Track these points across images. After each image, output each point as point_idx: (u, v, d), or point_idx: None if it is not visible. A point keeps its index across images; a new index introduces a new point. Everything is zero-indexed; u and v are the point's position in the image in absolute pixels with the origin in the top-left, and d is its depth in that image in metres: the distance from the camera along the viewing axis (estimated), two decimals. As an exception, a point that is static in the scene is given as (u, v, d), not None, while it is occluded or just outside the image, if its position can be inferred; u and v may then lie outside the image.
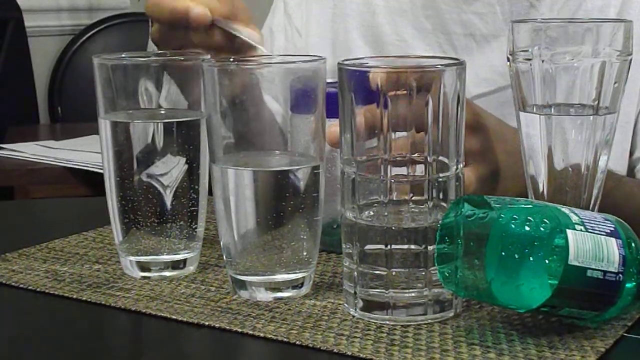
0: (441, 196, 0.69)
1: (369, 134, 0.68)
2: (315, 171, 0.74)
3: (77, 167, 1.97)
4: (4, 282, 0.80)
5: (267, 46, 1.20)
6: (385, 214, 0.69)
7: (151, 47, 1.05)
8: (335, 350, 0.65)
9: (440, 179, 0.69)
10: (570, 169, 0.74)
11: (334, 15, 1.21)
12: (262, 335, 0.68)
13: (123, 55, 0.81)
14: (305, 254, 0.75)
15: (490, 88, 1.11)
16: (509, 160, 0.82)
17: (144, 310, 0.73)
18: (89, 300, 0.76)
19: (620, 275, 0.66)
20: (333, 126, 0.74)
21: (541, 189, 0.75)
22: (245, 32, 0.90)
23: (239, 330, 0.69)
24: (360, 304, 0.71)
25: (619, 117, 1.04)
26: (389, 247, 0.68)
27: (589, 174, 0.75)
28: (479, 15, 1.12)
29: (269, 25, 1.26)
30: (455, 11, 1.13)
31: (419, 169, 0.68)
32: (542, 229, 0.65)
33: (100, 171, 0.81)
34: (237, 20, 0.91)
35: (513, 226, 0.65)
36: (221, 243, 0.76)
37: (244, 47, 0.91)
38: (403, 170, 0.68)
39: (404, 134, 0.68)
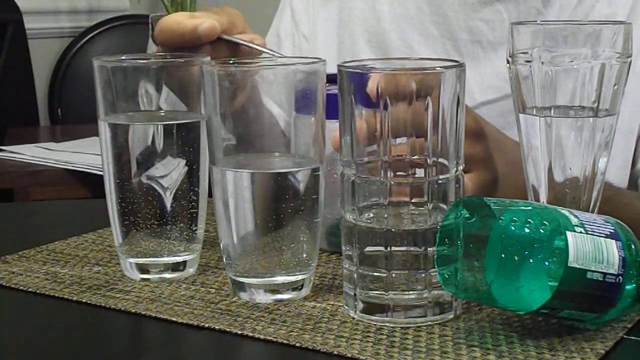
0: (441, 198, 0.69)
1: (369, 140, 0.68)
2: (315, 173, 0.74)
3: (77, 169, 1.97)
4: (4, 284, 0.80)
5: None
6: (385, 216, 0.69)
7: (151, 49, 1.05)
8: (335, 352, 0.65)
9: (440, 181, 0.69)
10: (569, 170, 0.74)
11: (339, 21, 1.21)
12: (261, 337, 0.68)
13: (123, 57, 0.81)
14: (305, 255, 0.75)
15: (496, 95, 1.10)
16: (509, 169, 0.82)
17: (143, 312, 0.73)
18: (89, 302, 0.76)
19: (620, 277, 0.67)
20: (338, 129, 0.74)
21: (541, 192, 0.75)
22: (251, 44, 0.91)
23: (239, 332, 0.69)
24: (360, 305, 0.71)
25: (622, 126, 1.04)
26: (388, 249, 0.68)
27: (588, 176, 0.75)
28: (486, 22, 1.12)
29: (275, 29, 1.27)
30: (462, 18, 1.13)
31: (419, 171, 0.68)
32: (541, 231, 0.65)
33: (100, 173, 0.81)
34: (237, 30, 0.92)
35: (513, 228, 0.65)
36: (221, 245, 0.76)
37: (249, 56, 0.92)
38: (403, 173, 0.68)
39: (404, 137, 0.68)
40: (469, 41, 1.13)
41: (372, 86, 0.67)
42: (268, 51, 0.92)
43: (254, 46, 0.91)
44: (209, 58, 0.82)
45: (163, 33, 0.90)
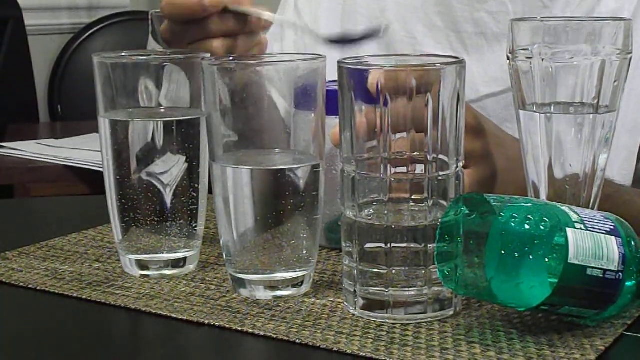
0: (441, 195, 0.69)
1: (369, 136, 0.68)
2: (315, 170, 0.74)
3: (77, 165, 1.97)
4: (4, 280, 0.80)
5: (277, 43, 1.20)
6: (385, 212, 0.69)
7: (151, 45, 1.05)
8: (334, 349, 0.65)
9: (440, 178, 0.69)
10: (570, 167, 0.74)
11: (343, 12, 1.21)
12: (261, 333, 0.68)
13: (123, 54, 0.81)
14: (305, 252, 0.75)
15: (501, 88, 1.10)
16: (509, 165, 0.82)
17: (143, 309, 0.73)
18: (89, 298, 0.76)
19: (620, 273, 0.66)
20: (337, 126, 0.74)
21: (541, 188, 0.75)
22: (260, 12, 0.91)
23: (239, 328, 0.69)
24: (360, 302, 0.71)
25: (626, 122, 1.04)
26: (388, 245, 0.68)
27: (588, 173, 0.75)
28: (491, 14, 1.12)
29: (279, 20, 1.26)
30: (467, 9, 1.13)
31: (419, 168, 0.68)
32: (542, 227, 0.65)
33: (100, 170, 0.81)
34: (244, 4, 0.91)
35: (513, 225, 0.65)
36: (221, 241, 0.76)
37: (257, 28, 0.92)
38: (403, 169, 0.68)
39: (404, 133, 0.68)
40: (473, 33, 1.13)
41: (372, 82, 0.67)
42: (278, 18, 0.91)
43: (262, 13, 0.91)
44: (208, 55, 0.82)
45: (169, 5, 0.90)
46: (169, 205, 0.80)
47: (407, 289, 0.69)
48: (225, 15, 0.90)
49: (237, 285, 0.76)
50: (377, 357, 0.64)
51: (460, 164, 0.70)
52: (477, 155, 0.80)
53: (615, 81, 0.73)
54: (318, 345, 0.66)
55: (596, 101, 0.73)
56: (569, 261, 0.64)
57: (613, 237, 0.67)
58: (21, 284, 0.79)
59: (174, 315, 0.72)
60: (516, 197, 0.69)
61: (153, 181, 0.79)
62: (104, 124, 0.80)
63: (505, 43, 0.77)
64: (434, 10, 1.15)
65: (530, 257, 0.64)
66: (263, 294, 0.75)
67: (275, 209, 0.73)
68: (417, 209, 0.69)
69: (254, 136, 0.74)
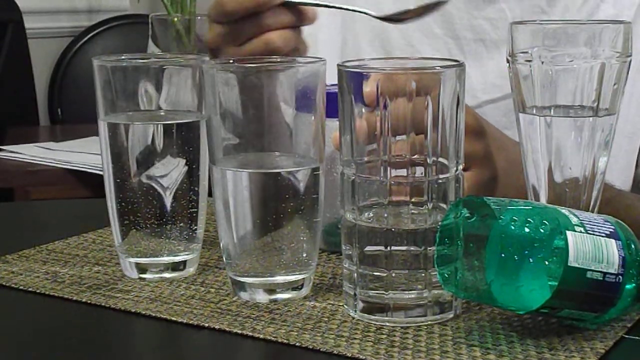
0: (441, 198, 0.69)
1: (369, 139, 0.68)
2: (315, 173, 0.74)
3: (77, 168, 1.97)
4: (3, 283, 0.80)
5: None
6: (385, 215, 0.69)
7: (151, 48, 1.05)
8: (334, 352, 0.65)
9: (440, 181, 0.69)
10: (569, 170, 0.74)
11: (343, 21, 1.21)
12: (261, 336, 0.68)
13: (123, 57, 0.81)
14: (304, 255, 0.75)
15: (500, 94, 1.10)
16: (510, 168, 0.82)
17: (143, 312, 0.73)
18: (89, 302, 0.76)
19: (620, 276, 0.67)
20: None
21: (541, 191, 0.75)
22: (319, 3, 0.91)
23: (239, 331, 0.69)
24: (360, 305, 0.71)
25: (625, 128, 1.04)
26: (388, 248, 0.68)
27: (588, 176, 0.75)
28: (489, 21, 1.12)
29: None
30: (465, 17, 1.13)
31: (419, 171, 0.68)
32: (541, 230, 0.65)
33: (100, 173, 0.81)
34: None
35: (513, 228, 0.65)
36: (221, 244, 0.76)
37: (312, 19, 0.91)
38: (403, 172, 0.68)
39: (404, 135, 0.68)
40: (472, 40, 1.13)
41: (371, 86, 0.67)
42: (339, 6, 0.90)
43: (318, 3, 0.90)
44: (207, 57, 0.82)
45: (221, 5, 0.88)
46: (168, 208, 0.80)
47: (407, 292, 0.69)
48: (278, 8, 0.89)
49: (237, 288, 0.76)
50: (377, 360, 0.64)
51: (460, 167, 0.70)
52: (478, 157, 0.80)
53: (614, 84, 0.73)
54: (318, 348, 0.66)
55: (596, 104, 0.73)
56: (568, 264, 0.64)
57: (613, 240, 0.67)
58: (21, 287, 0.79)
59: (173, 319, 0.72)
60: (516, 199, 0.69)
61: (153, 184, 0.79)
62: (103, 127, 0.80)
63: (504, 49, 0.77)
64: (432, 18, 1.15)
65: (530, 260, 0.64)
66: (263, 297, 0.75)
67: (275, 212, 0.73)
68: (417, 211, 0.69)
69: (253, 139, 0.74)
